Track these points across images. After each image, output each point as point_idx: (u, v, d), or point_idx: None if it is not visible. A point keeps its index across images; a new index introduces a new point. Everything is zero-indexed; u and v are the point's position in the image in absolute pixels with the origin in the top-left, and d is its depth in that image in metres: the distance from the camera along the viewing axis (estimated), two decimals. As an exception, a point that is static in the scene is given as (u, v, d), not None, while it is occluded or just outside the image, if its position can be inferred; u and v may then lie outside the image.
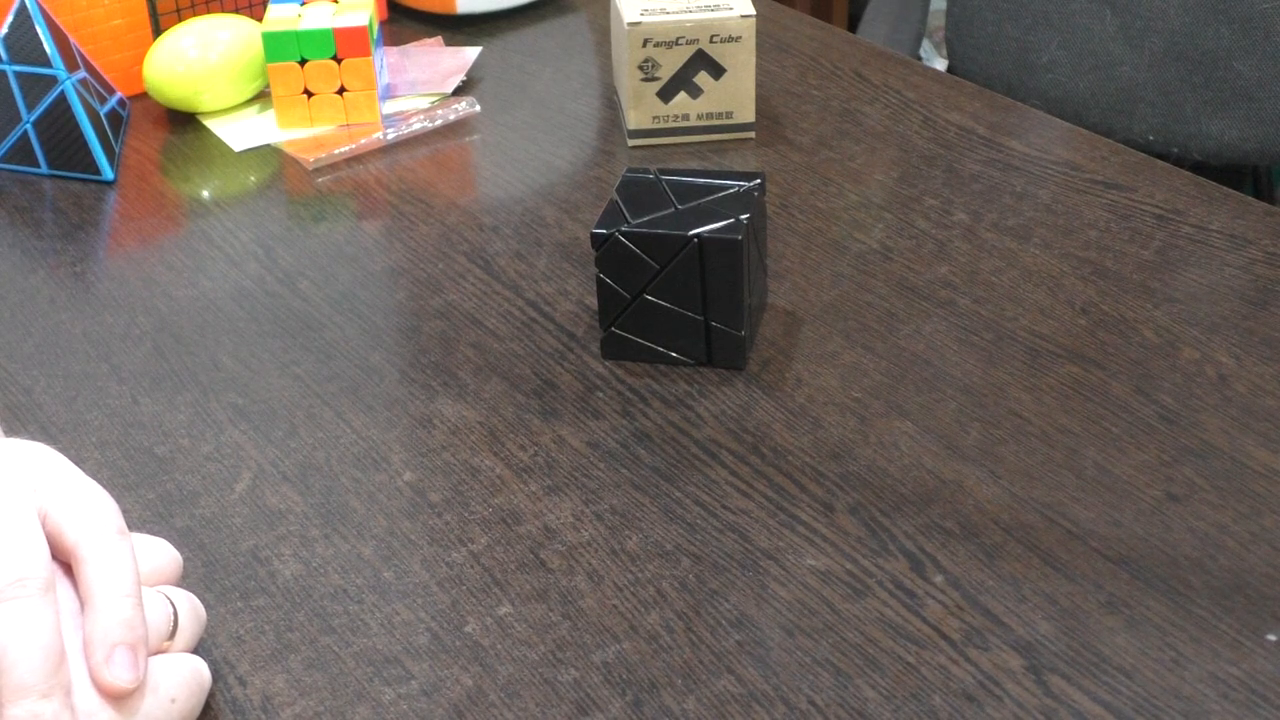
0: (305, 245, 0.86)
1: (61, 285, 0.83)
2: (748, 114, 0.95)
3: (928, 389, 0.71)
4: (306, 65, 0.96)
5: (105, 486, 0.56)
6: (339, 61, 0.97)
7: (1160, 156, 1.36)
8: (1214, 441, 0.67)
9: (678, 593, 0.60)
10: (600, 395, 0.72)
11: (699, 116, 0.95)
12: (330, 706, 0.56)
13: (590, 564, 0.62)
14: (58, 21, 0.95)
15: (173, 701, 0.52)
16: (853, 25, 2.40)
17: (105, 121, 0.95)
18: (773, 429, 0.69)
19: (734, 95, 0.94)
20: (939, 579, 0.60)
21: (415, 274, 0.83)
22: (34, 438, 0.66)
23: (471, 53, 1.08)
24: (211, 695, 0.56)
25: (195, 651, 0.56)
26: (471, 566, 0.62)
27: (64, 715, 0.49)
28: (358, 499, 0.66)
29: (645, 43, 0.92)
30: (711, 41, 0.92)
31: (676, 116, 0.94)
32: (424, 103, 1.02)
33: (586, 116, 1.00)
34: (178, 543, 0.63)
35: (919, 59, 1.33)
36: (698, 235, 0.70)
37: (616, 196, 0.74)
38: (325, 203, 0.91)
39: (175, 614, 0.54)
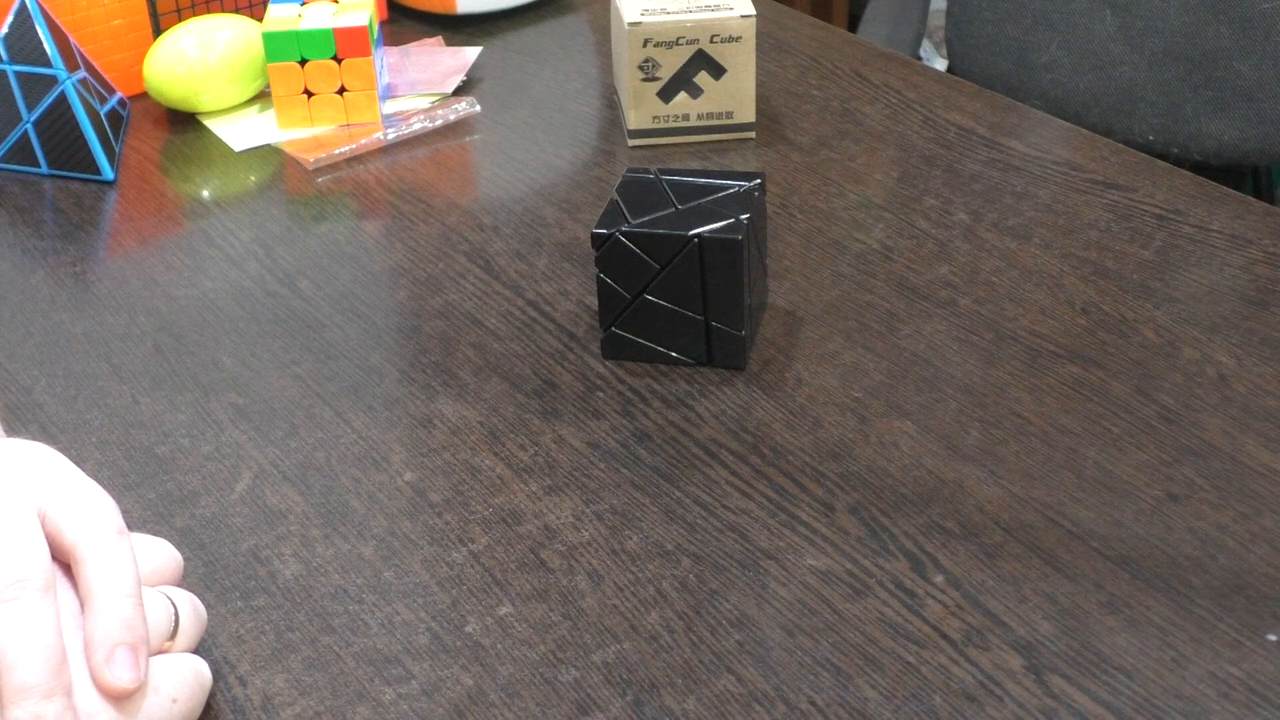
0: (305, 245, 0.86)
1: (61, 285, 0.83)
2: (748, 114, 0.95)
3: (928, 389, 0.71)
4: (307, 65, 0.97)
5: (105, 486, 0.56)
6: (339, 61, 0.97)
7: (1160, 156, 1.36)
8: (1214, 441, 0.67)
9: (678, 593, 0.60)
10: (600, 395, 0.72)
11: (699, 116, 0.95)
12: (330, 706, 0.56)
13: (590, 564, 0.62)
14: (58, 21, 0.95)
15: (174, 701, 0.52)
16: (853, 25, 2.40)
17: (105, 121, 0.95)
18: (773, 429, 0.69)
19: (734, 95, 0.94)
20: (939, 579, 0.60)
21: (415, 274, 0.83)
22: (34, 438, 0.66)
23: (471, 53, 1.08)
24: (212, 695, 0.56)
25: (196, 651, 0.56)
26: (471, 566, 0.62)
27: (66, 716, 0.49)
28: (358, 499, 0.66)
29: (645, 43, 0.92)
30: (712, 41, 0.92)
31: (676, 116, 0.94)
32: (424, 103, 1.02)
33: (586, 116, 1.00)
34: (178, 543, 0.63)
35: (919, 59, 1.33)
36: (698, 235, 0.70)
37: (616, 196, 0.74)
38: (325, 203, 0.91)
39: (176, 614, 0.54)
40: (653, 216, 0.72)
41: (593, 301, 0.79)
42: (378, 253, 0.85)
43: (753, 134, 0.96)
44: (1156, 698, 0.54)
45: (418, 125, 0.99)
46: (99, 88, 0.96)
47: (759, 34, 1.10)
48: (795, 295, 0.79)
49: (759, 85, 1.02)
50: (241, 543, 0.64)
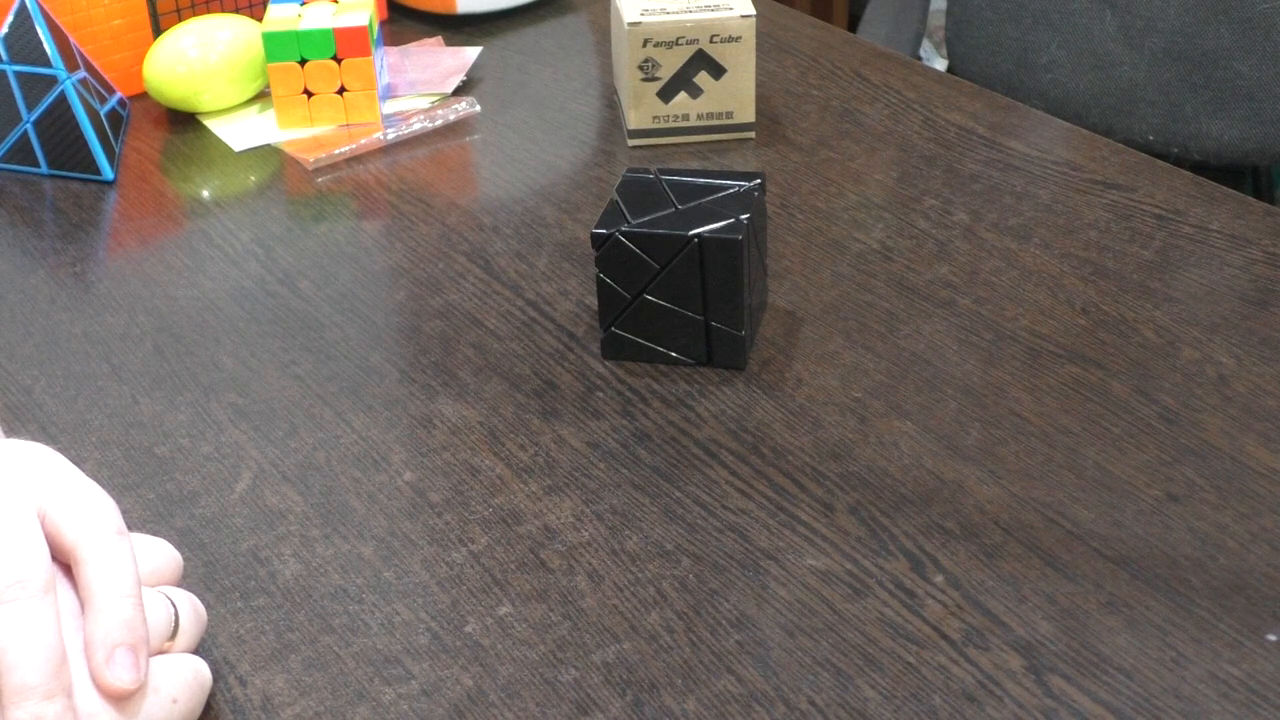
0: (305, 245, 0.86)
1: (61, 285, 0.83)
2: (748, 114, 0.95)
3: (928, 389, 0.71)
4: (306, 65, 0.97)
5: (105, 486, 0.56)
6: (339, 61, 0.97)
7: (1160, 156, 1.36)
8: (1214, 441, 0.67)
9: (678, 593, 0.60)
10: (600, 395, 0.72)
11: (699, 116, 0.95)
12: (330, 706, 0.56)
13: (590, 564, 0.62)
14: (58, 21, 0.95)
15: (174, 702, 0.52)
16: (853, 25, 2.40)
17: (105, 121, 0.95)
18: (773, 429, 0.69)
19: (734, 95, 0.94)
20: (939, 579, 0.60)
21: (415, 274, 0.83)
22: (34, 438, 0.66)
23: (471, 53, 1.08)
24: (212, 695, 0.56)
25: (196, 652, 0.56)
26: (471, 566, 0.62)
27: (66, 716, 0.49)
28: (358, 499, 0.66)
29: (645, 43, 0.92)
30: (711, 41, 0.92)
31: (676, 116, 0.94)
32: (424, 103, 1.02)
33: (586, 116, 1.00)
34: (178, 543, 0.63)
35: (919, 59, 1.33)
36: (698, 235, 0.70)
37: (616, 196, 0.74)
38: (325, 203, 0.91)
39: (176, 614, 0.54)
40: (653, 216, 0.72)
41: (593, 301, 0.79)
42: (378, 253, 0.85)
43: (753, 134, 0.96)
44: (1156, 698, 0.54)
45: (418, 125, 0.99)
46: (99, 88, 0.96)
47: (759, 34, 1.10)
48: (795, 295, 0.79)
49: (759, 85, 1.02)
50: (241, 543, 0.64)
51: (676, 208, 0.72)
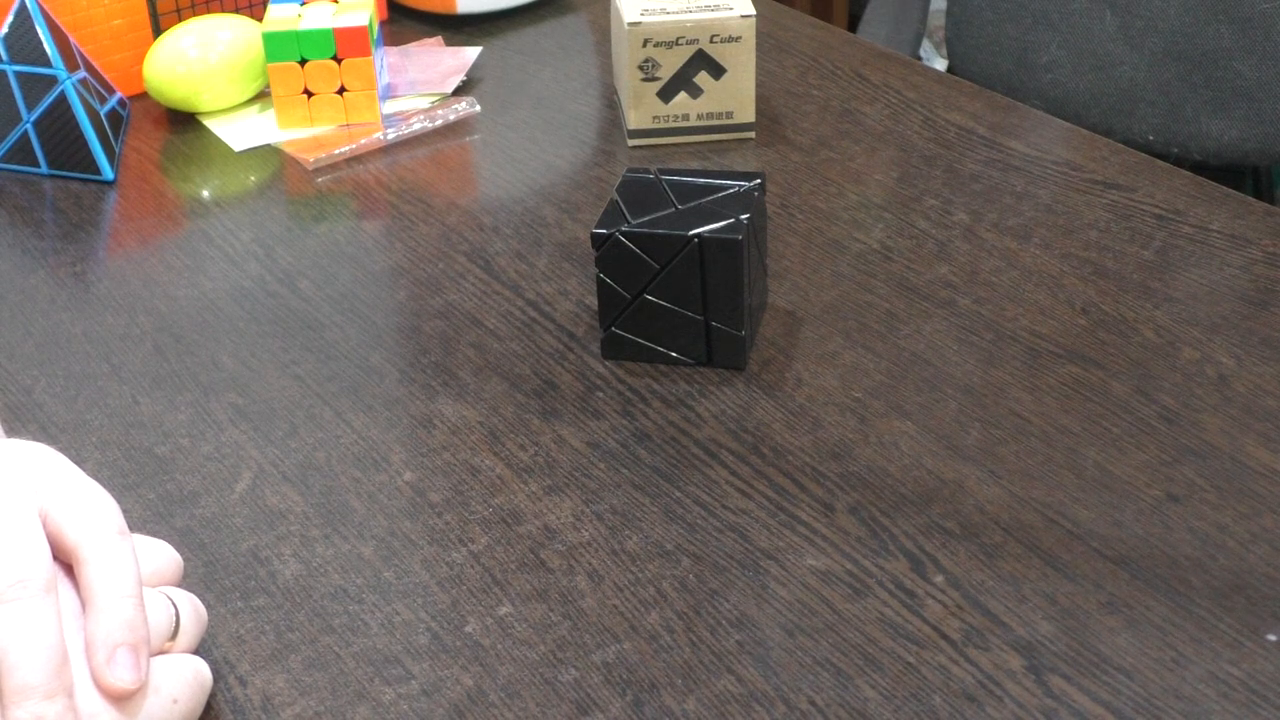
0: (305, 245, 0.86)
1: (61, 285, 0.83)
2: (748, 114, 0.95)
3: (928, 389, 0.71)
4: (306, 65, 0.97)
5: (105, 486, 0.56)
6: (339, 61, 0.97)
7: (1160, 156, 1.36)
8: (1214, 441, 0.67)
9: (678, 593, 0.60)
10: (600, 395, 0.72)
11: (699, 116, 0.95)
12: (330, 706, 0.56)
13: (590, 564, 0.62)
14: (58, 21, 0.95)
15: (175, 702, 0.52)
16: (853, 25, 2.40)
17: (105, 121, 0.95)
18: (773, 429, 0.69)
19: (734, 95, 0.94)
20: (939, 579, 0.60)
21: (415, 274, 0.83)
22: (34, 438, 0.66)
23: (471, 53, 1.08)
24: (212, 695, 0.56)
25: (196, 652, 0.56)
26: (471, 566, 0.62)
27: (67, 716, 0.49)
28: (358, 499, 0.66)
29: (645, 43, 0.92)
30: (711, 41, 0.92)
31: (676, 116, 0.94)
32: (424, 103, 1.02)
33: (586, 116, 1.00)
34: (178, 543, 0.63)
35: (919, 59, 1.33)
36: (698, 235, 0.70)
37: (616, 196, 0.74)
38: (325, 203, 0.91)
39: (177, 614, 0.54)
40: (653, 216, 0.72)
41: (593, 301, 0.79)
42: (378, 253, 0.85)
43: (753, 134, 0.96)
44: (1156, 698, 0.54)
45: (418, 125, 0.99)
46: (99, 88, 0.96)
47: (759, 34, 1.10)
48: (795, 295, 0.79)
49: (759, 85, 1.02)
50: (241, 543, 0.64)
51: (676, 208, 0.72)
